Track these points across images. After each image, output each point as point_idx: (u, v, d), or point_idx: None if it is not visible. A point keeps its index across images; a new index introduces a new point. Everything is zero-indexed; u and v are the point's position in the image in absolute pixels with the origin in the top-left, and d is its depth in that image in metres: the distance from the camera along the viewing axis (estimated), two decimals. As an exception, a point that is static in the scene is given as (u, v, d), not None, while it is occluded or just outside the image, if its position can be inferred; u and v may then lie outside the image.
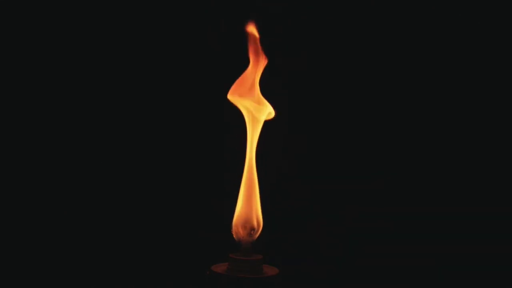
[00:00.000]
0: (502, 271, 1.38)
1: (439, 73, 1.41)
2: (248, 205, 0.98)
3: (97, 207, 1.40)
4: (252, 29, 1.02)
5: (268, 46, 1.03)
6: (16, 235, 1.36)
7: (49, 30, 1.37)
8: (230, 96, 1.01)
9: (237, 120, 1.03)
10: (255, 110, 1.00)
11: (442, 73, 1.41)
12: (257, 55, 1.02)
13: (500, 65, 1.40)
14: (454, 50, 1.40)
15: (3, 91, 1.37)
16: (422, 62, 1.41)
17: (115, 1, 1.38)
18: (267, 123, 1.01)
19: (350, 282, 1.37)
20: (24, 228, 1.37)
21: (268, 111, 1.01)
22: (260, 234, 0.98)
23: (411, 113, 1.42)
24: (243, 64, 1.04)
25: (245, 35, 1.03)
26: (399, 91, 1.42)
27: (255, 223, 0.98)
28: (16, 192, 1.38)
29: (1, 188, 1.37)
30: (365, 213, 1.42)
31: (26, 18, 1.36)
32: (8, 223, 1.37)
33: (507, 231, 1.39)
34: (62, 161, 1.39)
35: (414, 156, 1.43)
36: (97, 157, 1.40)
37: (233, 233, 0.97)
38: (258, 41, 1.02)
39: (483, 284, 1.37)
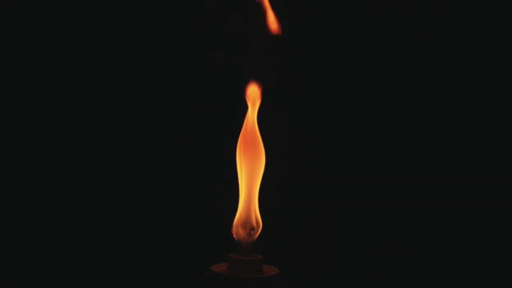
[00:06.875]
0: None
1: (437, 73, 1.42)
2: (248, 204, 0.98)
3: (97, 208, 1.40)
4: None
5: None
6: (15, 235, 1.36)
7: (47, 28, 1.37)
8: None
9: (237, 119, 1.03)
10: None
11: (441, 73, 1.41)
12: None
13: (499, 64, 1.40)
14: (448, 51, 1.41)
15: (2, 91, 1.37)
16: (421, 62, 1.41)
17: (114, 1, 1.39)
18: (266, 123, 1.01)
19: (351, 282, 1.37)
20: (23, 228, 1.37)
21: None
22: (260, 234, 0.98)
23: (413, 113, 1.42)
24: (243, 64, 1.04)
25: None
26: (399, 91, 1.42)
27: (254, 223, 0.97)
28: (15, 192, 1.38)
29: (1, 188, 1.37)
30: (366, 213, 1.42)
31: (21, 18, 1.36)
32: (8, 223, 1.37)
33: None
34: (62, 161, 1.39)
35: (414, 155, 1.43)
36: (97, 158, 1.40)
37: (233, 233, 0.97)
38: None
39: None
